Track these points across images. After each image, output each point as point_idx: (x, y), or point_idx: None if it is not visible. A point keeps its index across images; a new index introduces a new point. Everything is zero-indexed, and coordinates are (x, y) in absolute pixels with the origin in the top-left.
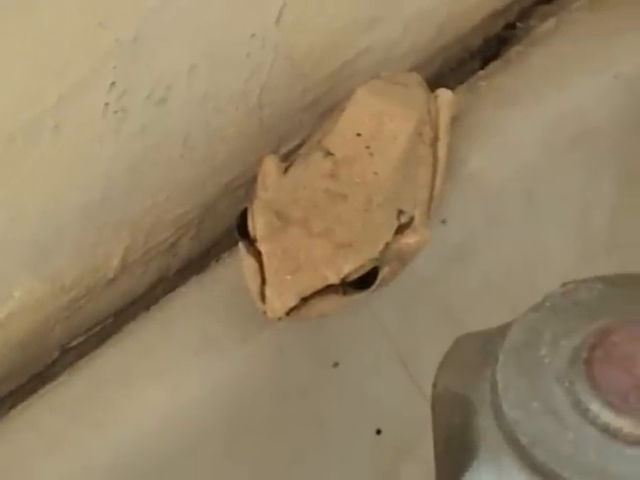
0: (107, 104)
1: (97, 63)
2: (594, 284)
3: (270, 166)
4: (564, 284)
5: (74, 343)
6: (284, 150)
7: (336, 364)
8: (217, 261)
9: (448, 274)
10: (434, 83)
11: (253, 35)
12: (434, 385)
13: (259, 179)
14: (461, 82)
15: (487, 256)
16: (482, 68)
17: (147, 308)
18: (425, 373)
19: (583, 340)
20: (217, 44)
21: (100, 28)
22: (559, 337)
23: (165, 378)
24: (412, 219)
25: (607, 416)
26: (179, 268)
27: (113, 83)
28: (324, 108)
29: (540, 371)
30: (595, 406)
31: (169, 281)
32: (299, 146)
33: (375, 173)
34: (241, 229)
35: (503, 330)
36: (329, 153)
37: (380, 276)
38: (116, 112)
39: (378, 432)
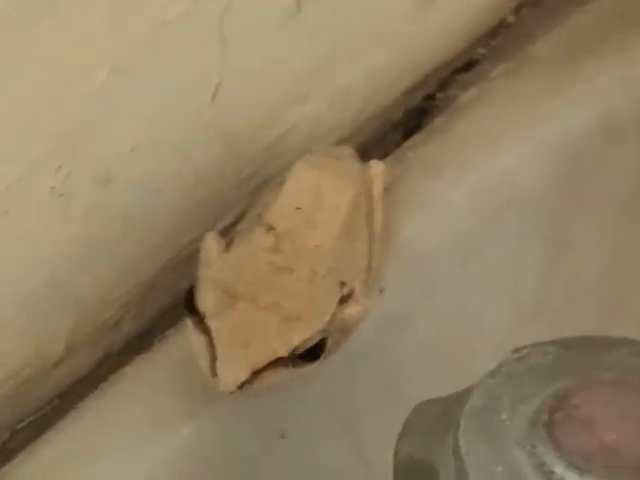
0: (53, 188)
1: (45, 148)
2: (547, 348)
3: (211, 243)
4: (517, 349)
5: (23, 424)
6: (220, 226)
7: (283, 435)
8: (161, 337)
9: (387, 343)
10: (361, 156)
11: (189, 114)
12: (395, 453)
13: (201, 256)
14: (386, 154)
15: (424, 323)
16: (404, 140)
17: (94, 386)
18: (369, 442)
19: (542, 403)
20: (155, 125)
21: (48, 112)
22: (518, 401)
23: (117, 455)
24: (353, 290)
25: (571, 478)
26: (124, 346)
27: (59, 167)
28: (257, 183)
29: (502, 435)
30: (559, 468)
31: (114, 359)
32: (235, 221)
33: (317, 245)
34: (188, 306)
35: (462, 396)
36: (271, 227)
37: (327, 347)
38: (62, 195)
39: None
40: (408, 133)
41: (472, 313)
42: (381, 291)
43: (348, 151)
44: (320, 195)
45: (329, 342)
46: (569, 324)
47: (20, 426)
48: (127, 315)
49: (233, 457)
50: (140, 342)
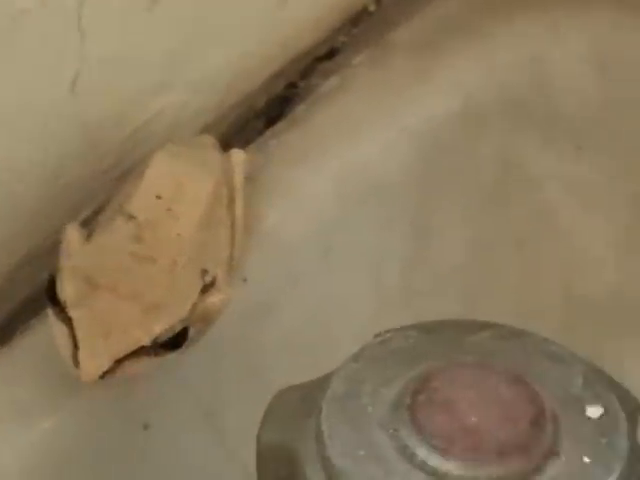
0: None
1: None
2: (409, 332)
3: (72, 234)
4: (379, 334)
5: None
6: (83, 216)
7: (146, 426)
8: (23, 330)
9: (251, 332)
10: (225, 144)
11: (47, 104)
12: (258, 439)
13: (62, 247)
14: (249, 142)
15: (287, 312)
16: (267, 128)
17: None
18: (233, 431)
19: (404, 387)
20: (14, 113)
21: None
22: (380, 385)
23: None
24: (215, 278)
25: (434, 460)
26: None
27: None
28: (120, 172)
29: (364, 419)
30: (421, 451)
31: None
32: (97, 211)
33: (178, 235)
34: (50, 296)
35: (323, 381)
36: (132, 217)
37: (189, 336)
38: None
39: None
40: (271, 121)
41: (336, 301)
42: (244, 280)
43: (209, 141)
44: (180, 185)
45: (191, 330)
46: (434, 310)
47: None
48: None
49: (96, 450)
50: (1, 334)
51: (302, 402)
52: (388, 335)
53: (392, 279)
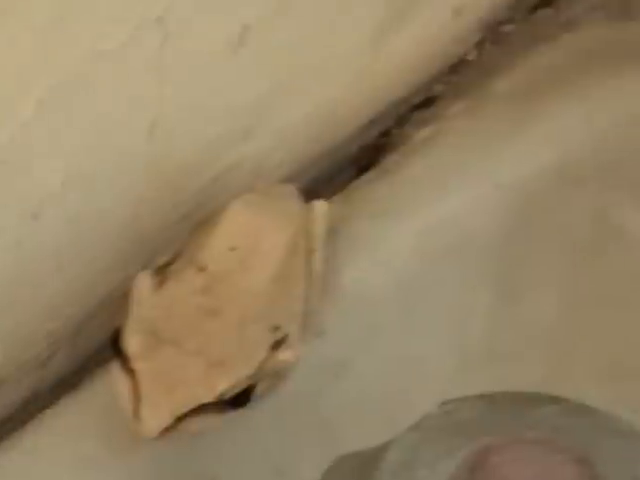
0: None
1: None
2: (474, 402)
3: (143, 282)
4: (444, 403)
5: None
6: (157, 263)
7: None
8: (92, 378)
9: (325, 388)
10: (309, 193)
11: (124, 149)
12: None
13: (132, 296)
14: (336, 192)
15: (364, 370)
16: (358, 177)
17: (21, 426)
18: None
19: (463, 461)
20: (89, 162)
21: None
22: (438, 458)
23: None
24: (287, 334)
25: None
26: (53, 384)
27: None
28: (197, 221)
29: None
30: None
31: (43, 397)
32: (171, 261)
33: (249, 288)
34: (115, 347)
35: (381, 451)
36: (202, 268)
37: (256, 392)
38: None
39: None
40: (361, 170)
41: (415, 360)
42: (320, 335)
43: (290, 190)
44: (255, 236)
45: (259, 387)
46: (518, 373)
47: None
48: (58, 352)
49: None
50: (71, 381)
51: (358, 471)
52: (451, 405)
53: (474, 340)
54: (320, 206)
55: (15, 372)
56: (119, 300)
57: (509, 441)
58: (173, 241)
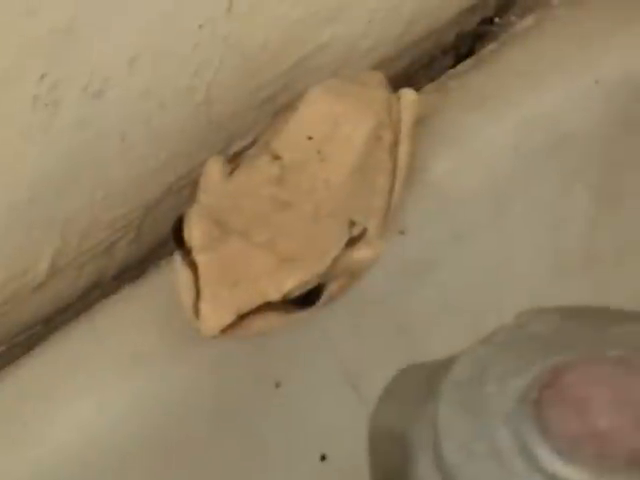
0: (36, 97)
1: (25, 53)
2: (552, 316)
3: (214, 168)
4: (519, 315)
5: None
6: (234, 150)
7: (278, 384)
8: (155, 269)
9: (405, 290)
10: (401, 81)
11: (201, 25)
12: (371, 422)
13: (201, 182)
14: (430, 81)
15: (449, 272)
16: (454, 66)
17: (78, 316)
18: (376, 396)
19: (534, 378)
20: (161, 35)
21: (28, 16)
22: (508, 374)
23: (91, 395)
24: (365, 230)
25: (555, 464)
26: (116, 273)
27: (43, 75)
28: (278, 106)
29: (485, 410)
30: (543, 452)
31: (105, 287)
32: (248, 147)
33: (326, 180)
34: (177, 237)
35: (448, 363)
36: (277, 157)
37: (326, 293)
38: (47, 105)
39: (323, 458)
40: (459, 59)
41: (505, 263)
42: (402, 233)
43: (377, 77)
44: (335, 125)
45: (333, 286)
46: (614, 280)
47: None
48: (122, 240)
49: (220, 406)
50: (134, 272)
51: (424, 384)
52: (525, 318)
53: (571, 244)
54: (408, 95)
55: (76, 260)
56: (187, 188)
57: (586, 359)
58: (251, 127)
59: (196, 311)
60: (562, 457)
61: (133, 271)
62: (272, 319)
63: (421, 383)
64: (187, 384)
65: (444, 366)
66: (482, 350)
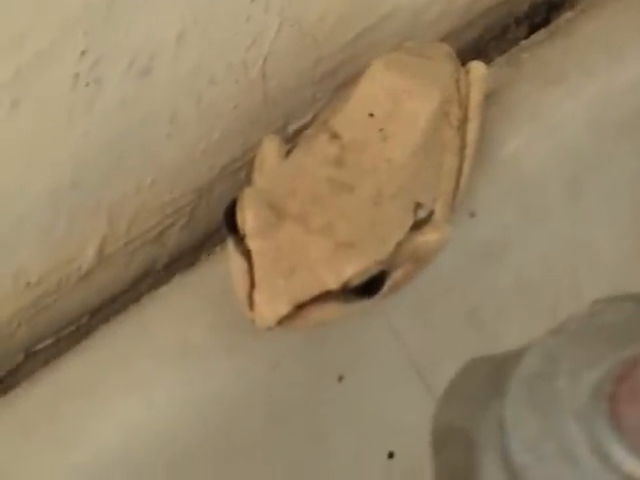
0: (77, 75)
1: (63, 29)
2: (624, 304)
3: (270, 148)
4: (593, 303)
5: (41, 346)
6: (293, 129)
7: (341, 378)
8: (208, 255)
9: (475, 275)
10: (471, 53)
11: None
12: (435, 418)
13: (256, 163)
14: (502, 53)
15: (522, 255)
16: (527, 38)
17: (127, 307)
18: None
19: (608, 371)
20: (210, 7)
21: None
22: (580, 367)
23: (139, 391)
24: (432, 213)
25: (631, 464)
26: (167, 262)
27: (84, 52)
28: (339, 82)
29: (556, 406)
30: (618, 451)
31: (156, 276)
32: (306, 125)
33: (388, 160)
34: (230, 222)
35: (517, 356)
36: (336, 136)
37: (390, 281)
38: (88, 84)
39: (390, 456)
40: (532, 29)
41: (581, 246)
42: (472, 215)
43: (443, 50)
44: (398, 102)
45: (397, 274)
46: None
47: (37, 348)
48: (173, 227)
49: (278, 402)
50: (186, 260)
51: (490, 378)
52: (599, 306)
53: None
54: (478, 68)
55: (125, 247)
56: (242, 170)
57: None
58: (310, 105)
59: (251, 301)
60: (638, 456)
61: (185, 259)
62: (331, 309)
63: (487, 377)
64: (242, 378)
65: (512, 358)
66: (552, 342)
